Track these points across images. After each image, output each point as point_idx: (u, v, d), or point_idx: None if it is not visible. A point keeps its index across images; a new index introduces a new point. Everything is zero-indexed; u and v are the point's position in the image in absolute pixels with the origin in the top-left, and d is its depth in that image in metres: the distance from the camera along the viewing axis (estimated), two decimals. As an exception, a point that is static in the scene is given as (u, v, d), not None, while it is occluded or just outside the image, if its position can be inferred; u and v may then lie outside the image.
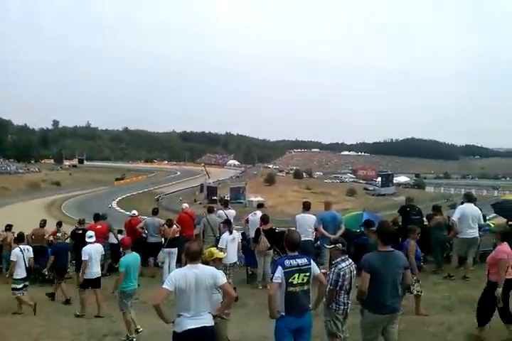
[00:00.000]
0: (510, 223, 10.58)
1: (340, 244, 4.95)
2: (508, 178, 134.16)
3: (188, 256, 4.06)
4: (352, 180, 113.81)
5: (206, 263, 4.50)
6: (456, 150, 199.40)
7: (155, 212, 10.98)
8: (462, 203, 9.04)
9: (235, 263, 8.76)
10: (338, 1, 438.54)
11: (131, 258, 6.60)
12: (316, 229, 9.09)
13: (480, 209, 9.56)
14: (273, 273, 4.20)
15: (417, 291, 6.40)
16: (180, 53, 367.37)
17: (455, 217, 8.58)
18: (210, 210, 10.50)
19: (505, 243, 5.45)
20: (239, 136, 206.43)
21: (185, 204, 12.02)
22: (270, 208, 51.53)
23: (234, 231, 8.72)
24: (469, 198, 9.08)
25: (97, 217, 10.79)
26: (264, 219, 8.88)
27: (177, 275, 3.91)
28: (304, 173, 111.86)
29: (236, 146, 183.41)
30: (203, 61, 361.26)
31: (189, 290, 3.84)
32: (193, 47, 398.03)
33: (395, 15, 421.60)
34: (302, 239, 8.45)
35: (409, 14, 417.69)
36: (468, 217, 8.38)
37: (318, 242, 9.22)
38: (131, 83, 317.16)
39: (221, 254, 4.85)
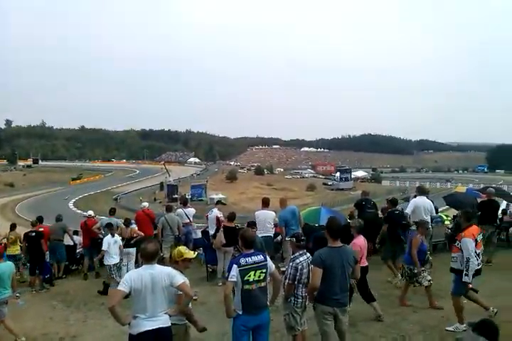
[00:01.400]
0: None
1: (294, 238, 5.04)
2: (460, 171, 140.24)
3: (144, 257, 4.00)
4: (312, 175, 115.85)
5: (175, 263, 4.43)
6: (411, 145, 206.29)
7: (112, 212, 10.74)
8: (415, 196, 9.38)
9: (116, 264, 8.73)
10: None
11: (2, 266, 6.32)
12: (275, 225, 9.20)
13: (432, 202, 10.01)
14: (228, 271, 4.20)
15: (428, 281, 6.46)
16: (136, 51, 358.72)
17: (408, 210, 8.86)
18: (169, 209, 10.39)
19: (360, 236, 5.97)
20: (199, 134, 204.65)
21: (145, 203, 11.81)
22: (232, 205, 51.76)
23: (116, 234, 8.86)
24: (421, 191, 9.45)
25: (39, 220, 10.26)
26: (230, 217, 8.87)
27: (132, 276, 3.85)
28: (265, 170, 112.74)
29: (197, 144, 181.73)
30: (160, 58, 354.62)
31: (145, 291, 3.78)
32: (150, 44, 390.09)
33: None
34: (262, 234, 8.72)
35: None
36: (421, 209, 8.70)
37: (278, 238, 9.34)
38: (87, 81, 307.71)
39: (191, 254, 4.68)
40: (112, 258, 8.69)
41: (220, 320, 5.46)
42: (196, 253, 5.06)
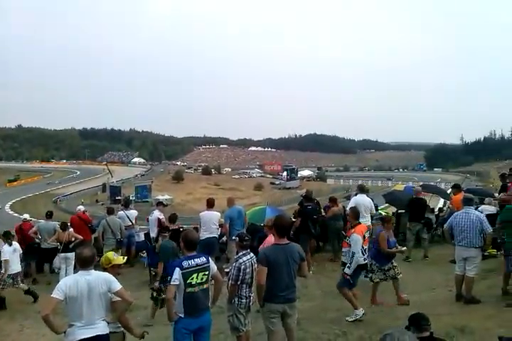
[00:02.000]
0: (399, 211, 11.56)
1: (238, 238, 5.02)
2: (400, 169, 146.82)
3: (80, 262, 3.85)
4: (259, 174, 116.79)
5: (104, 270, 4.27)
6: (354, 145, 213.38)
7: (49, 216, 10.23)
8: (356, 194, 9.68)
9: (19, 272, 8.35)
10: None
11: None
12: (221, 226, 9.16)
13: (372, 200, 10.37)
14: (171, 275, 4.12)
15: (393, 274, 6.56)
16: (79, 47, 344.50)
17: (349, 207, 9.20)
18: (110, 211, 10.08)
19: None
20: (144, 133, 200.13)
21: (80, 206, 11.39)
22: (178, 206, 51.12)
23: (14, 242, 8.39)
24: (362, 189, 9.80)
25: None
26: (171, 219, 8.72)
27: (67, 283, 3.68)
28: (212, 170, 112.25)
29: (141, 143, 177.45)
30: (102, 53, 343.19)
31: (81, 297, 3.63)
32: (91, 38, 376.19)
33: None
34: (207, 236, 8.68)
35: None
36: (361, 207, 9.02)
37: (224, 238, 9.30)
38: (26, 77, 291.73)
39: (120, 259, 4.56)
40: (15, 267, 8.15)
41: (162, 323, 5.36)
42: (126, 258, 4.92)
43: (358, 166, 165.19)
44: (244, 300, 4.80)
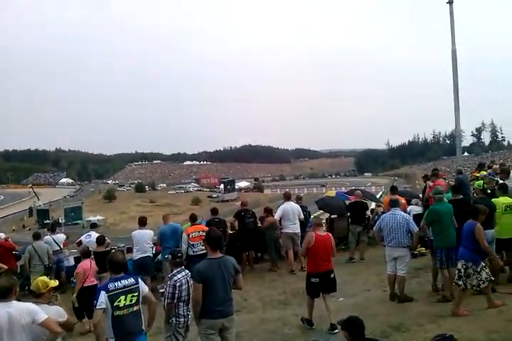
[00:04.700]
0: (332, 217, 11.89)
1: (170, 255, 4.89)
2: (333, 176, 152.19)
3: None
4: (196, 188, 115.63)
5: (40, 294, 4.11)
6: (288, 154, 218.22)
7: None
8: (283, 202, 9.85)
9: None
10: None
11: None
12: (155, 244, 8.89)
13: (305, 207, 10.59)
14: (96, 299, 3.97)
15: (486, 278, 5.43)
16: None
17: (277, 215, 9.53)
18: (37, 236, 9.47)
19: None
20: (71, 152, 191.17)
21: (0, 234, 10.61)
22: (112, 226, 49.14)
23: None
24: (287, 197, 10.08)
25: None
26: (98, 241, 8.31)
27: None
28: (146, 186, 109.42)
29: (69, 163, 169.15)
30: (21, 68, 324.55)
31: (1, 332, 3.37)
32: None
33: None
34: (140, 255, 8.40)
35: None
36: (289, 214, 9.32)
37: (159, 257, 9.02)
38: None
39: (54, 282, 4.36)
40: None
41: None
42: (57, 281, 4.67)
43: (293, 175, 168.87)
44: (182, 319, 4.70)
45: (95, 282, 7.43)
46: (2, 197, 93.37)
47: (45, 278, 4.44)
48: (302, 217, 9.71)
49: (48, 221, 44.00)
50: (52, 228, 10.96)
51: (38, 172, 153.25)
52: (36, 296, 4.20)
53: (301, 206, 9.98)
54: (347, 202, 11.59)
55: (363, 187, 42.79)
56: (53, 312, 4.18)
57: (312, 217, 12.58)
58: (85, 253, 7.74)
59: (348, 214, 10.77)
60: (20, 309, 3.51)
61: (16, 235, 32.34)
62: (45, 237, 9.94)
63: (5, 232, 11.24)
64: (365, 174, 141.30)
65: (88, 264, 7.45)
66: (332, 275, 5.94)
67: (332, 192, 24.23)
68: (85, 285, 7.11)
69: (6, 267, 8.78)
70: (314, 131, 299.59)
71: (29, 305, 3.62)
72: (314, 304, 5.87)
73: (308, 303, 5.94)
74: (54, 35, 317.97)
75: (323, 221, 12.56)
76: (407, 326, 5.28)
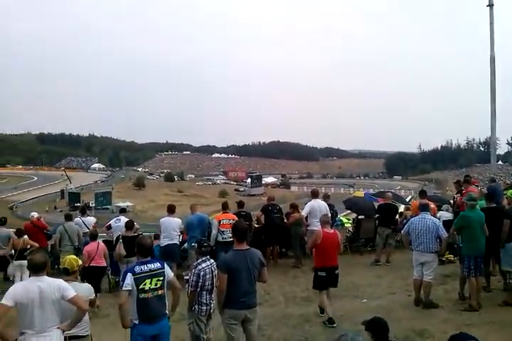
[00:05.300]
0: (359, 217, 11.76)
1: (196, 244, 4.96)
2: (361, 177, 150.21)
3: (31, 268, 3.76)
4: (223, 181, 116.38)
5: (72, 272, 4.37)
6: (316, 152, 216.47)
7: (2, 222, 9.76)
8: (310, 200, 9.81)
9: None
10: None
11: None
12: (182, 232, 9.02)
13: (332, 205, 10.51)
14: (122, 280, 4.07)
15: None
16: (36, 48, 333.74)
17: (304, 212, 9.51)
18: (68, 218, 9.75)
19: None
20: (103, 138, 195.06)
21: (34, 213, 10.93)
22: (140, 213, 50.09)
23: None
24: (314, 194, 9.97)
25: None
26: (127, 226, 8.50)
27: (17, 289, 3.58)
28: (175, 176, 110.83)
29: (101, 149, 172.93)
30: (59, 56, 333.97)
31: (32, 304, 3.51)
32: (48, 40, 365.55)
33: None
34: (167, 242, 8.54)
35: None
36: (316, 211, 9.23)
37: (185, 245, 9.15)
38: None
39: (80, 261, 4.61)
40: None
41: (123, 333, 5.19)
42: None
43: (320, 173, 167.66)
44: (204, 308, 4.76)
45: (103, 263, 8.03)
46: (36, 178, 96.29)
47: (74, 257, 4.62)
48: (329, 215, 9.63)
49: (78, 204, 45.19)
50: (83, 211, 11.24)
51: (71, 156, 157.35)
52: (67, 274, 4.37)
53: (328, 204, 9.89)
54: (376, 204, 11.45)
55: (392, 190, 42.06)
56: (84, 290, 4.35)
57: (340, 216, 12.55)
58: (92, 236, 8.45)
59: (377, 215, 10.61)
60: (51, 284, 3.66)
61: (48, 216, 33.31)
62: (76, 219, 10.21)
63: (38, 212, 11.60)
64: (395, 177, 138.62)
65: (94, 246, 7.99)
66: (336, 272, 6.20)
67: (360, 193, 24.01)
68: (92, 264, 7.63)
69: (36, 245, 9.15)
70: (344, 130, 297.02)
71: (59, 282, 3.78)
72: (338, 304, 5.87)
73: (320, 297, 6.14)
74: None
75: (350, 221, 12.54)
76: (430, 332, 5.20)
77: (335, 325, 5.74)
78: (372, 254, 10.07)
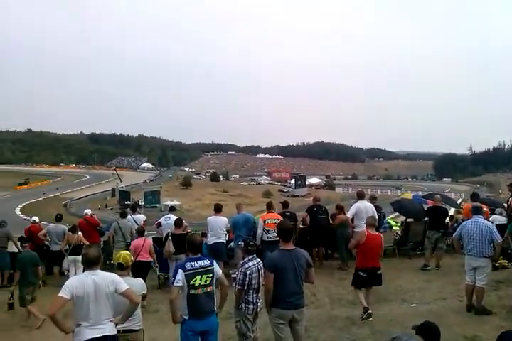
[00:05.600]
0: (408, 220, 11.47)
1: (243, 243, 5.03)
2: (409, 179, 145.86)
3: (85, 262, 3.91)
4: (267, 182, 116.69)
5: (126, 267, 4.50)
6: (362, 153, 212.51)
7: (58, 219, 10.32)
8: (356, 201, 9.66)
9: None
10: None
11: None
12: (228, 231, 9.16)
13: (379, 207, 10.31)
14: (174, 276, 4.16)
15: None
16: (86, 52, 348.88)
17: (350, 214, 9.33)
18: (123, 215, 10.13)
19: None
20: (152, 138, 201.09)
21: (87, 210, 11.43)
22: (187, 212, 51.19)
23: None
24: (360, 196, 9.78)
25: None
26: (176, 224, 8.74)
27: (74, 283, 3.71)
28: (220, 176, 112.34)
29: (150, 149, 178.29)
30: (110, 57, 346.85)
31: (87, 297, 3.65)
32: (102, 42, 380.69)
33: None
34: (214, 241, 8.69)
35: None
36: (362, 213, 9.05)
37: (231, 244, 9.29)
38: (35, 81, 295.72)
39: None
40: None
41: (173, 328, 5.37)
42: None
43: (366, 175, 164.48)
44: (251, 306, 4.79)
45: (149, 258, 8.35)
46: (88, 177, 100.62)
47: (129, 253, 4.79)
48: (376, 217, 9.45)
49: (128, 202, 46.77)
50: (133, 208, 11.58)
51: (121, 155, 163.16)
52: (122, 269, 4.50)
53: (375, 206, 9.69)
54: (425, 207, 11.11)
55: (441, 193, 40.49)
56: (137, 285, 4.50)
57: (387, 218, 12.28)
58: (140, 232, 8.71)
59: (426, 218, 10.29)
60: (105, 278, 3.79)
61: (100, 213, 34.73)
62: (127, 217, 10.59)
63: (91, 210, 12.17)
64: (444, 179, 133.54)
65: (141, 242, 8.29)
66: (379, 272, 6.29)
67: (409, 195, 23.32)
68: (137, 259, 7.75)
69: (87, 242, 9.56)
70: (391, 131, 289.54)
71: (113, 275, 3.91)
72: (386, 309, 5.78)
73: (357, 294, 6.33)
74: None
75: (398, 224, 12.26)
76: (482, 339, 5.02)
77: (371, 318, 5.87)
78: (421, 258, 9.77)
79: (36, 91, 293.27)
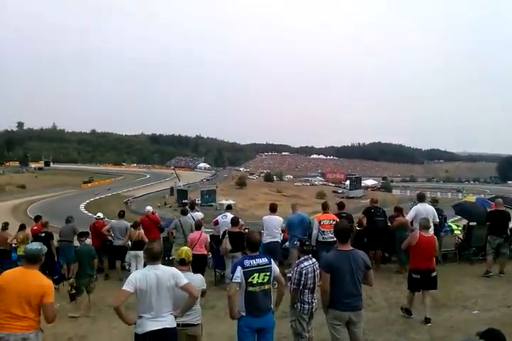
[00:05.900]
0: (470, 224, 10.95)
1: (299, 243, 5.03)
2: (471, 181, 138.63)
3: (148, 257, 4.03)
4: (321, 182, 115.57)
5: (187, 263, 4.62)
6: (420, 155, 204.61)
7: (121, 215, 10.82)
8: (416, 204, 9.35)
9: None
10: None
11: None
12: (283, 231, 9.20)
13: (442, 211, 9.92)
14: (232, 273, 4.22)
15: None
16: (143, 54, 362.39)
17: (409, 216, 9.03)
18: (184, 212, 10.43)
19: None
20: (209, 139, 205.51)
21: (149, 207, 11.84)
22: (241, 211, 51.75)
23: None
24: (420, 198, 9.48)
25: (37, 218, 10.95)
26: (233, 222, 8.90)
27: (137, 276, 3.86)
28: (274, 176, 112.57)
29: (206, 149, 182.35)
30: (167, 62, 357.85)
31: (150, 291, 3.79)
32: (152, 47, 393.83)
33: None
34: (269, 240, 8.75)
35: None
36: (423, 215, 8.68)
37: (286, 244, 9.32)
38: (99, 85, 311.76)
39: None
40: None
41: (228, 324, 5.49)
42: None
43: (425, 177, 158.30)
44: (307, 306, 4.80)
45: (204, 252, 8.70)
46: (148, 175, 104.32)
47: (190, 249, 4.94)
48: (437, 220, 9.08)
49: (186, 200, 47.97)
50: (192, 206, 11.90)
51: (179, 155, 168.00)
52: (183, 264, 4.60)
53: (436, 209, 9.33)
54: (489, 210, 10.54)
55: (506, 196, 37.99)
56: (196, 280, 4.58)
57: (449, 222, 11.77)
58: (197, 226, 9.09)
59: (488, 223, 9.77)
60: (166, 272, 3.92)
61: (160, 211, 35.87)
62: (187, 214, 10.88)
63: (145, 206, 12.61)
64: (509, 182, 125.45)
65: (197, 235, 8.64)
66: (433, 274, 6.20)
67: (472, 198, 22.15)
68: (193, 252, 7.84)
69: (146, 240, 9.92)
70: (452, 131, 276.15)
71: (173, 270, 4.03)
72: (446, 315, 5.58)
73: (408, 296, 6.37)
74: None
75: (460, 227, 11.72)
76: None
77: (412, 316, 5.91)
78: (484, 264, 9.30)
79: (102, 94, 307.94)
